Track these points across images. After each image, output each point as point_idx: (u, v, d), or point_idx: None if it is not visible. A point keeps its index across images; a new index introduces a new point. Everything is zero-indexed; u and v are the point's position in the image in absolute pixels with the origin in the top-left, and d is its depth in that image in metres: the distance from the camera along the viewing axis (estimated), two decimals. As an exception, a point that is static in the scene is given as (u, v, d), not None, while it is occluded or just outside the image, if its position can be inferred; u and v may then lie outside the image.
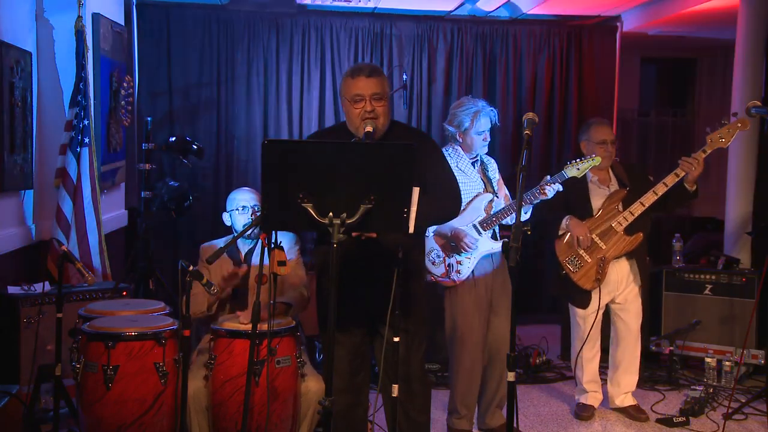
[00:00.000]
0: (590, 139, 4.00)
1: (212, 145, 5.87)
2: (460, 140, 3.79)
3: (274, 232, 2.63)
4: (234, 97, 5.92)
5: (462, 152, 3.80)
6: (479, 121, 3.74)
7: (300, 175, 2.33)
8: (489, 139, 3.82)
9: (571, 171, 3.75)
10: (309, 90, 5.99)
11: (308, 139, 3.63)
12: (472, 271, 3.74)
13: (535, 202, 3.74)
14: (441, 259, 3.73)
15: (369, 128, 2.81)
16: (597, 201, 3.97)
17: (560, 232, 3.97)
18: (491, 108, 3.82)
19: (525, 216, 3.84)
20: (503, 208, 3.77)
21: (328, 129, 3.77)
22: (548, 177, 3.76)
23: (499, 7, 5.98)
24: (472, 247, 3.68)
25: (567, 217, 3.93)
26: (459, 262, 3.71)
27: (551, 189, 3.72)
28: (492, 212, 3.77)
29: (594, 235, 3.92)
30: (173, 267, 5.46)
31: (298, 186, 2.32)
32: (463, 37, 6.16)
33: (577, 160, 3.76)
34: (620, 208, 3.92)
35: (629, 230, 3.91)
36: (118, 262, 4.80)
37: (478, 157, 3.87)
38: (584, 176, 3.94)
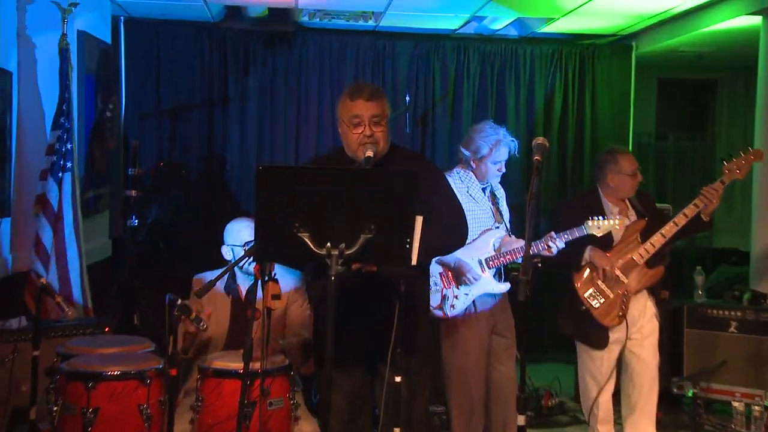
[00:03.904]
0: (621, 171, 3.99)
1: (204, 170, 5.89)
2: (474, 166, 3.83)
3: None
4: (227, 120, 5.95)
5: (473, 177, 3.83)
6: (498, 150, 3.78)
7: (296, 202, 2.33)
8: (504, 171, 3.84)
9: (592, 229, 3.77)
10: (307, 112, 6.02)
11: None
12: (474, 306, 3.74)
13: (537, 253, 3.75)
14: (438, 288, 3.73)
15: (369, 153, 2.83)
16: (617, 232, 3.98)
17: (582, 263, 3.97)
18: (513, 138, 3.85)
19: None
20: (513, 249, 3.78)
21: (326, 155, 3.79)
22: (553, 234, 3.77)
23: (508, 25, 6.04)
24: (473, 282, 3.69)
25: (589, 247, 3.93)
26: (456, 296, 3.71)
27: (554, 247, 3.73)
28: (502, 251, 3.79)
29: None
30: (160, 301, 5.43)
31: (294, 214, 2.32)
32: (470, 57, 6.20)
33: (600, 218, 3.79)
34: (639, 239, 3.93)
35: (650, 263, 3.92)
36: (100, 295, 4.78)
37: (489, 185, 3.89)
38: (602, 206, 3.97)
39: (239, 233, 3.45)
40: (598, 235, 3.81)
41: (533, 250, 3.72)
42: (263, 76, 5.96)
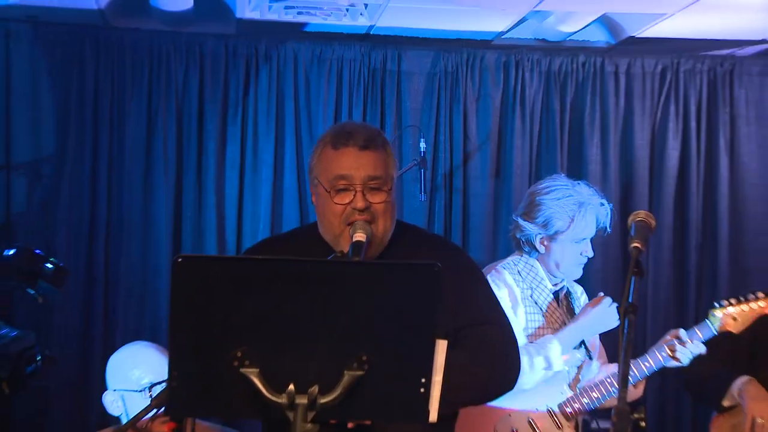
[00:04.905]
0: None
1: (83, 261, 5.89)
2: (542, 249, 3.87)
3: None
4: (122, 177, 5.97)
5: (541, 271, 3.87)
6: (583, 219, 3.83)
7: (237, 317, 2.36)
8: (591, 255, 3.89)
9: (724, 320, 3.80)
10: (255, 165, 6.07)
11: (251, 254, 3.71)
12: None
13: (656, 368, 3.79)
14: None
15: (359, 236, 2.88)
16: None
17: (726, 403, 3.99)
18: (602, 200, 3.90)
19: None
20: (601, 381, 3.81)
21: (286, 235, 3.83)
22: (681, 331, 3.81)
23: (588, 25, 6.10)
24: None
25: (744, 378, 3.96)
26: None
27: (685, 351, 3.76)
28: (580, 388, 3.82)
29: None
30: (2, 483, 5.41)
31: (234, 337, 2.35)
32: (525, 77, 6.29)
33: (733, 300, 3.82)
34: None
35: None
36: None
37: (564, 286, 3.93)
38: None
39: (137, 370, 3.48)
40: (736, 332, 3.82)
41: (646, 365, 3.77)
42: (185, 106, 6.02)
